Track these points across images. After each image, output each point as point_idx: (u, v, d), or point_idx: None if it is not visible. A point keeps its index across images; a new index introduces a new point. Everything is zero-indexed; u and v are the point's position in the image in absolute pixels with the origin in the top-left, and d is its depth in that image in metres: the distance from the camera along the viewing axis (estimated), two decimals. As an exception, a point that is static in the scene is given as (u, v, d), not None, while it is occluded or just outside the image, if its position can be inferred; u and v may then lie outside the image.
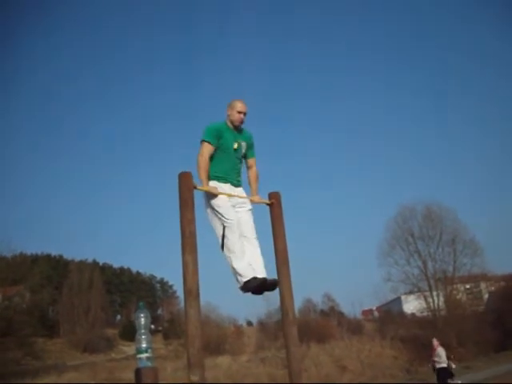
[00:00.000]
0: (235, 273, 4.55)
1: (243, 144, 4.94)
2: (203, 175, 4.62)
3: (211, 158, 4.76)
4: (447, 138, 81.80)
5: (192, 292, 3.99)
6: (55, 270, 55.57)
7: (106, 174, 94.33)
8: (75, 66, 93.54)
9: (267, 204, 5.05)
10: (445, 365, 16.58)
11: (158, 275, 76.06)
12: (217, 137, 4.75)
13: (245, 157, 5.04)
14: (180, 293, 64.82)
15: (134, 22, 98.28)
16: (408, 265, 34.89)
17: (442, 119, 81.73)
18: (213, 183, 4.70)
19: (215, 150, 4.76)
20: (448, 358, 18.00)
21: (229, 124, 4.90)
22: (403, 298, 42.25)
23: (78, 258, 59.61)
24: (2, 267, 33.58)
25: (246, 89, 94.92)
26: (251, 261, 4.61)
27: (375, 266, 46.30)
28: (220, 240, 4.60)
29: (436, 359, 16.74)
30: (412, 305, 38.13)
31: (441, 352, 16.73)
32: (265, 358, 30.19)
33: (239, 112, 4.86)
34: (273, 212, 5.03)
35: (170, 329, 50.27)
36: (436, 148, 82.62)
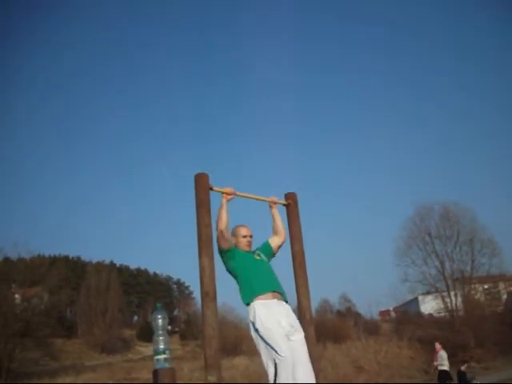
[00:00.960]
0: None
1: (260, 253, 4.75)
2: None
3: (244, 280, 4.44)
4: (464, 136, 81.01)
5: (209, 294, 4.01)
6: (73, 271, 55.99)
7: (123, 175, 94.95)
8: (89, 64, 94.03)
9: (284, 205, 5.06)
10: (446, 368, 16.90)
11: (175, 276, 76.47)
12: (232, 251, 4.54)
13: (271, 255, 4.86)
14: (196, 294, 65.21)
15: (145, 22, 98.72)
16: (425, 265, 34.64)
17: (458, 116, 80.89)
18: (260, 306, 4.24)
19: (243, 271, 4.47)
20: (464, 362, 18.21)
21: (239, 249, 4.65)
22: (420, 298, 41.91)
23: (95, 260, 60.20)
24: (20, 269, 33.94)
25: (265, 85, 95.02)
26: None
27: (392, 267, 45.98)
28: (271, 378, 4.08)
29: (438, 362, 17.04)
30: (429, 305, 37.83)
31: (443, 355, 17.01)
32: (281, 358, 30.08)
33: (244, 236, 4.68)
34: (289, 212, 5.04)
35: (186, 330, 50.48)
36: (453, 147, 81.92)
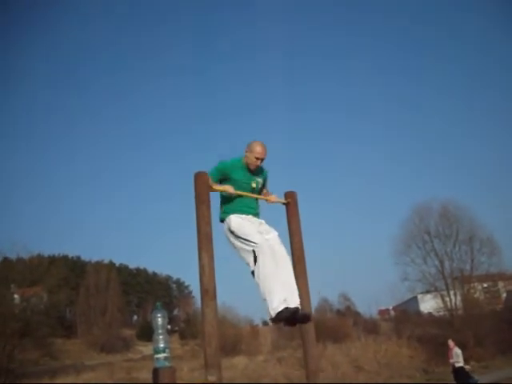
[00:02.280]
0: (266, 302, 4.35)
1: (260, 181, 4.93)
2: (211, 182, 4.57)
3: (226, 202, 4.76)
4: (463, 136, 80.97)
5: (208, 292, 3.99)
6: (72, 271, 56.03)
7: (123, 174, 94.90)
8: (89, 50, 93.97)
9: (283, 203, 5.05)
10: (462, 364, 16.86)
11: (174, 275, 76.48)
12: (224, 175, 4.71)
13: (260, 191, 5.03)
14: (196, 293, 65.23)
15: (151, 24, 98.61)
16: (425, 264, 34.60)
17: (459, 117, 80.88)
18: (234, 217, 4.65)
19: (230, 196, 4.72)
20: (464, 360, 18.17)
21: (244, 163, 4.82)
22: (420, 297, 41.89)
23: (94, 259, 60.22)
24: (19, 269, 33.89)
25: (264, 88, 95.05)
26: (285, 287, 4.38)
27: (391, 266, 45.96)
28: (252, 266, 4.46)
29: (454, 359, 16.96)
30: (429, 304, 37.81)
31: (458, 352, 17.00)
32: (281, 357, 30.12)
33: (257, 158, 4.75)
34: (289, 211, 5.04)
35: (186, 329, 50.46)
36: (452, 146, 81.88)
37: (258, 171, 4.90)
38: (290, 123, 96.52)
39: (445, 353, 18.76)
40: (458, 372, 16.98)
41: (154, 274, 74.05)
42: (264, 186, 5.05)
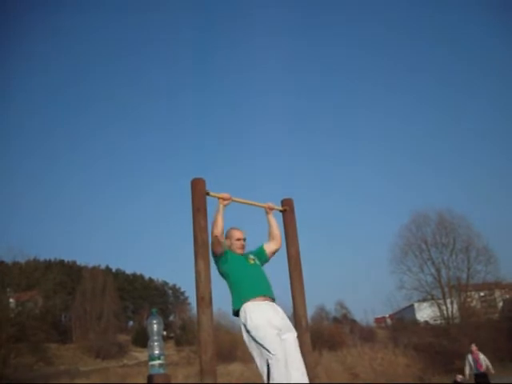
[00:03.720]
0: None
1: (255, 258, 4.71)
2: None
3: (235, 284, 4.41)
4: (460, 145, 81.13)
5: (204, 299, 3.98)
6: (68, 275, 55.79)
7: (119, 179, 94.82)
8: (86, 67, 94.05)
9: (280, 211, 5.05)
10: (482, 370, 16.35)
11: (171, 281, 76.34)
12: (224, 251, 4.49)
13: (264, 260, 4.83)
14: (192, 299, 65.02)
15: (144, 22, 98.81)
16: (421, 272, 34.74)
17: (455, 126, 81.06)
18: (252, 306, 4.20)
19: (235, 274, 4.44)
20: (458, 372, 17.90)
21: (233, 252, 4.62)
22: (416, 305, 42.02)
23: (91, 264, 59.99)
24: (15, 273, 33.81)
25: (261, 89, 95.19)
26: None
27: (388, 274, 45.98)
28: (265, 379, 3.99)
29: (484, 367, 16.34)
30: (425, 313, 37.92)
31: (484, 358, 16.49)
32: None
33: (238, 239, 4.67)
34: (286, 219, 5.03)
35: (182, 335, 50.30)
36: (448, 154, 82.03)
37: (248, 252, 4.78)
38: (288, 120, 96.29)
39: (441, 361, 18.48)
40: (485, 377, 16.43)
41: (151, 279, 73.87)
42: (261, 252, 4.84)
